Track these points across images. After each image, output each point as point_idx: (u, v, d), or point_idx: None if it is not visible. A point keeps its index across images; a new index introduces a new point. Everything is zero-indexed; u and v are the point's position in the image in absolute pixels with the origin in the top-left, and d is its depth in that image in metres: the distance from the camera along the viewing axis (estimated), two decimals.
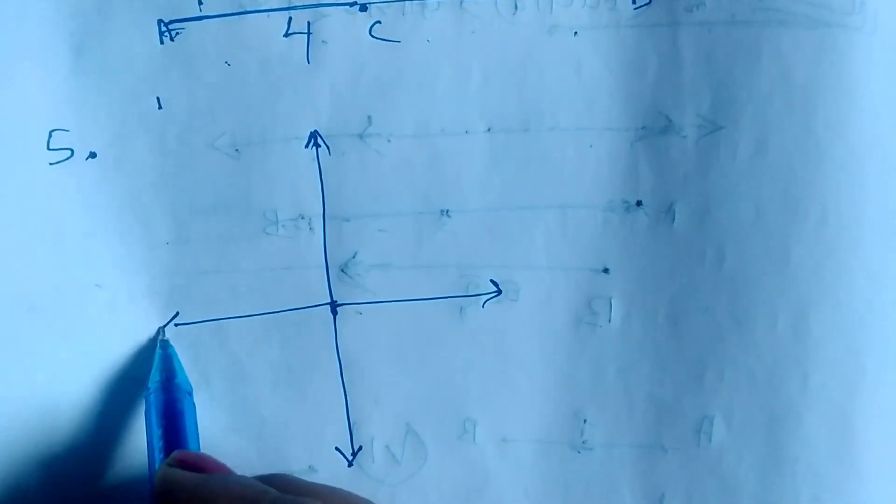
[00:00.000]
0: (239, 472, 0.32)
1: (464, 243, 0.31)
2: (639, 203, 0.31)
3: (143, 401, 0.31)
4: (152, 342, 0.31)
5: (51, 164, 0.30)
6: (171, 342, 0.31)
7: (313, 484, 0.27)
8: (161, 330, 0.32)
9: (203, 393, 0.32)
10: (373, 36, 0.30)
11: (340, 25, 0.30)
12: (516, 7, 0.30)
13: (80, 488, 0.31)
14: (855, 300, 0.30)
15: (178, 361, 0.31)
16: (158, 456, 0.28)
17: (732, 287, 0.31)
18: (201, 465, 0.27)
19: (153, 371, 0.31)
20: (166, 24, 0.30)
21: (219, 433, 0.32)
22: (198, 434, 0.30)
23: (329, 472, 0.31)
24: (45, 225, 0.30)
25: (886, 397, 0.31)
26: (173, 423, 0.29)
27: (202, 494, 0.25)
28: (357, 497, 0.26)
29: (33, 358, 0.30)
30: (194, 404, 0.30)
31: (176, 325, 0.31)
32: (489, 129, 0.31)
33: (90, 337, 0.31)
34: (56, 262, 0.30)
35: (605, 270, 0.32)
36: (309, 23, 0.30)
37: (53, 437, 0.31)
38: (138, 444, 0.31)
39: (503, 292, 0.32)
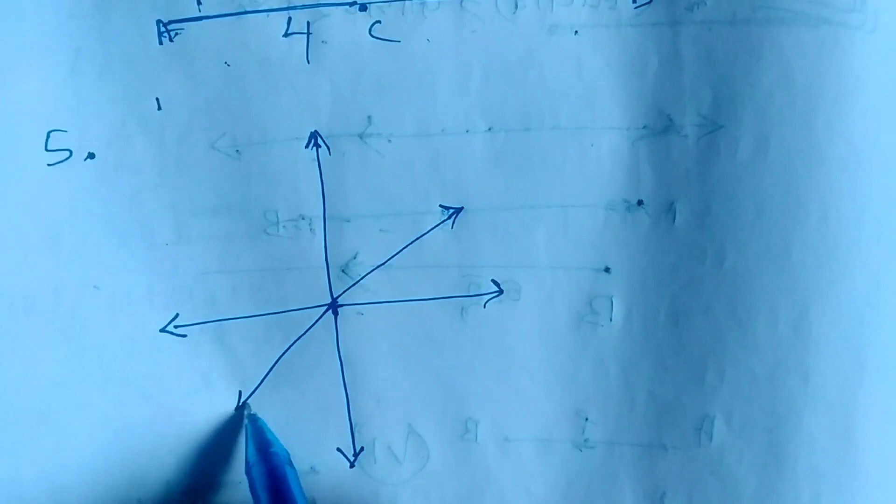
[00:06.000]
0: (240, 472, 0.32)
1: (465, 243, 0.31)
2: (640, 202, 0.31)
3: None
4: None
5: (49, 165, 0.30)
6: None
7: None
8: (246, 403, 0.32)
9: (203, 394, 0.32)
10: (373, 36, 0.30)
11: (340, 25, 0.30)
12: (516, 6, 0.30)
13: (78, 491, 0.31)
14: (856, 299, 0.30)
15: (270, 430, 0.31)
16: None
17: (733, 286, 0.31)
18: None
19: (248, 445, 0.31)
20: (165, 25, 0.29)
21: (219, 435, 0.32)
22: (305, 499, 0.29)
23: (331, 473, 0.31)
24: (42, 226, 0.30)
25: (887, 397, 0.31)
26: (281, 494, 0.29)
27: None
28: None
29: (31, 360, 0.30)
30: (296, 471, 0.30)
31: (176, 326, 0.31)
32: (490, 129, 0.31)
33: (89, 339, 0.31)
34: (54, 264, 0.30)
35: (607, 270, 0.32)
36: (308, 23, 0.30)
37: (50, 440, 0.31)
38: (136, 448, 0.31)
39: (504, 292, 0.32)
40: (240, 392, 0.32)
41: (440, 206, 0.31)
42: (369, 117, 0.30)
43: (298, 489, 0.29)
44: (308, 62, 0.30)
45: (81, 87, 0.30)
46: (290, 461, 0.30)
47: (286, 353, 0.32)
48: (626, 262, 0.31)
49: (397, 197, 0.31)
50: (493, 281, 0.32)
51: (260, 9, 0.30)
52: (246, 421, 0.31)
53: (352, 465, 0.32)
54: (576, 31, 0.30)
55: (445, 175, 0.31)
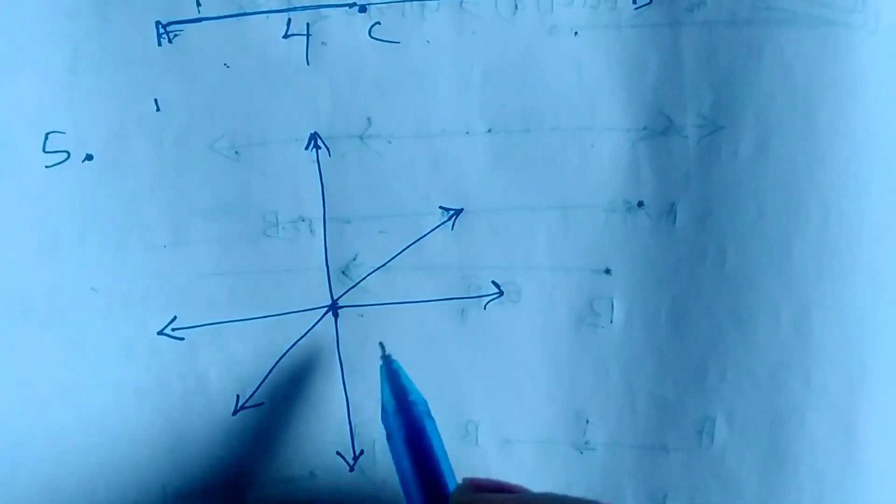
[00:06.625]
0: (238, 477, 0.32)
1: (465, 244, 0.31)
2: (640, 203, 0.31)
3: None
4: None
5: (47, 166, 0.30)
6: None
7: None
8: (381, 344, 0.30)
9: (201, 397, 0.32)
10: (372, 37, 0.30)
11: (340, 26, 0.30)
12: (516, 7, 0.30)
13: (75, 493, 0.31)
14: (857, 299, 0.30)
15: (406, 375, 0.29)
16: (414, 481, 0.26)
17: (734, 287, 0.31)
18: (501, 486, 0.25)
19: (384, 390, 0.29)
20: (164, 26, 0.29)
21: (217, 438, 0.32)
22: (446, 452, 0.27)
23: (330, 477, 0.31)
24: (40, 228, 0.30)
25: (888, 397, 0.31)
26: (422, 450, 0.27)
27: None
28: None
29: (28, 362, 0.30)
30: (435, 423, 0.28)
31: (173, 328, 0.31)
32: (490, 130, 0.31)
33: (86, 341, 0.31)
34: (51, 266, 0.30)
35: (607, 271, 0.32)
36: (308, 24, 0.30)
37: (47, 442, 0.31)
38: (132, 451, 0.31)
39: (505, 293, 0.32)
40: (237, 395, 0.32)
41: (440, 207, 0.31)
42: (369, 118, 0.30)
43: (441, 447, 0.27)
44: (308, 63, 0.30)
45: (80, 88, 0.29)
46: (430, 412, 0.28)
47: (285, 356, 0.32)
48: (626, 264, 0.31)
49: (397, 198, 0.31)
50: (494, 282, 0.32)
51: (259, 10, 0.30)
52: (381, 363, 0.30)
53: (351, 469, 0.32)
54: (576, 32, 0.30)
55: (445, 176, 0.31)
